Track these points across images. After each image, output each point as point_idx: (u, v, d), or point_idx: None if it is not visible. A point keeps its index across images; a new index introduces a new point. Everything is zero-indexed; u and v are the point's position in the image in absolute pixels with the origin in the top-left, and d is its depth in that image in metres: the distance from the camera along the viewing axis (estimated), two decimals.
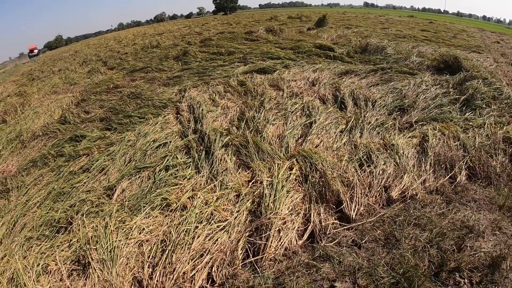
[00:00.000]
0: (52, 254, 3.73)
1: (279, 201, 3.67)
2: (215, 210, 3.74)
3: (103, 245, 3.56)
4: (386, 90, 6.43)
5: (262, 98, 6.56)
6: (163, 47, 18.17)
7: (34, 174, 5.88)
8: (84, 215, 4.20)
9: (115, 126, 6.66)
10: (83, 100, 9.48)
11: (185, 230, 3.47)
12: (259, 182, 4.15)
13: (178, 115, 6.58)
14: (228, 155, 4.72)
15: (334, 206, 3.79)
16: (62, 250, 3.79)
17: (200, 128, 5.59)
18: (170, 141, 5.44)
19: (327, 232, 3.51)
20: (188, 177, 4.44)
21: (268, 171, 4.29)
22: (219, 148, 4.83)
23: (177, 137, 5.61)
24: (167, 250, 3.35)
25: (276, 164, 4.29)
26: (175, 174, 4.55)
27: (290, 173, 4.08)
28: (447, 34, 17.36)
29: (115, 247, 3.52)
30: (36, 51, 55.97)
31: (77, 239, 3.80)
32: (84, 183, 5.05)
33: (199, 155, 4.85)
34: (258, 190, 3.98)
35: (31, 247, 3.96)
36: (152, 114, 6.79)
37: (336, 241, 3.41)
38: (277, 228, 3.43)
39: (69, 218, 4.26)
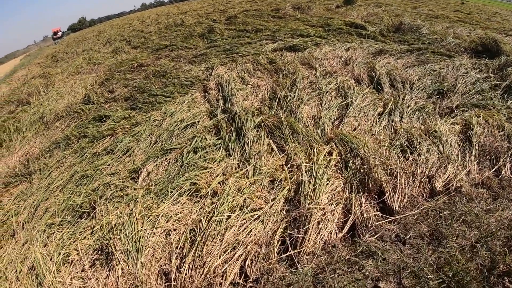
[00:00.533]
0: (74, 242, 3.50)
1: (319, 190, 3.26)
2: (248, 198, 3.35)
3: (127, 234, 3.26)
4: (424, 72, 5.82)
5: (294, 77, 6.08)
6: (187, 25, 17.63)
7: (57, 156, 5.68)
8: (108, 200, 3.95)
9: (140, 105, 6.32)
10: (107, 80, 9.20)
11: (216, 219, 3.10)
12: (295, 167, 3.74)
13: (206, 94, 6.18)
14: (261, 137, 4.30)
15: (376, 197, 3.41)
16: (85, 238, 3.55)
17: (229, 108, 5.18)
18: (198, 121, 5.07)
19: (369, 225, 3.17)
20: (218, 160, 4.06)
21: (304, 155, 3.88)
22: (251, 129, 4.42)
23: (205, 116, 5.23)
24: (197, 242, 3.01)
25: (314, 148, 3.87)
26: (204, 157, 4.18)
27: (330, 159, 3.64)
28: (481, 15, 16.22)
29: (140, 236, 3.21)
30: (60, 33, 56.49)
31: (100, 226, 3.54)
32: (108, 165, 4.79)
33: (229, 136, 4.45)
34: (295, 176, 3.58)
35: (53, 233, 3.77)
36: (179, 92, 6.41)
37: (378, 235, 3.05)
38: (316, 220, 3.06)
39: (92, 203, 4.03)
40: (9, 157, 6.49)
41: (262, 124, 4.55)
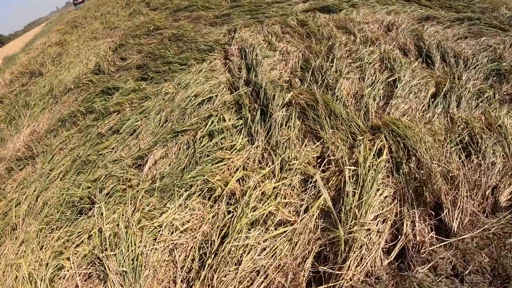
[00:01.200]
0: (69, 247, 2.94)
1: (366, 206, 2.42)
2: (275, 209, 2.55)
3: (123, 251, 2.55)
4: (478, 47, 4.63)
5: (330, 43, 5.07)
6: None
7: (62, 136, 5.08)
8: (108, 194, 3.39)
9: (152, 75, 5.54)
10: (121, 45, 8.42)
11: (232, 240, 2.33)
12: (333, 163, 2.90)
13: (227, 61, 5.28)
14: (291, 119, 3.45)
15: (432, 213, 2.55)
16: (81, 243, 2.97)
17: (254, 79, 4.31)
18: (216, 95, 4.23)
19: (421, 251, 2.39)
20: (238, 148, 3.25)
21: (342, 145, 3.04)
22: (279, 108, 3.57)
23: (225, 89, 4.39)
24: (207, 265, 2.28)
25: (358, 140, 3.00)
26: (221, 144, 3.38)
27: (380, 159, 2.75)
28: None
29: (139, 254, 2.51)
30: None
31: (97, 231, 2.92)
32: (112, 149, 4.15)
33: (252, 116, 3.63)
34: (333, 178, 2.76)
35: (50, 232, 3.31)
36: (196, 59, 5.54)
37: (431, 264, 2.28)
38: (360, 245, 2.27)
39: (92, 197, 3.44)
40: (16, 136, 6.00)
41: (293, 101, 3.66)
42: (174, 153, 3.54)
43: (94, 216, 3.10)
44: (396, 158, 2.80)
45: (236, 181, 2.86)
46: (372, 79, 4.05)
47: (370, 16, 6.27)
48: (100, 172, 3.79)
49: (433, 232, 2.46)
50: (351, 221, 2.31)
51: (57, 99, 6.83)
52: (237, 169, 2.99)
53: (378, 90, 3.80)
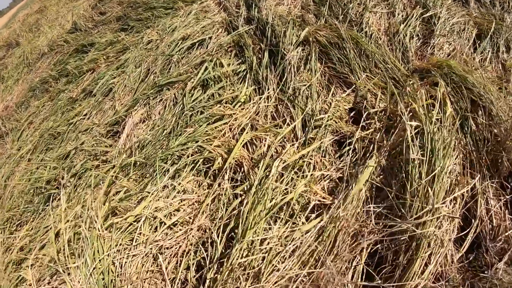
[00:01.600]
0: (34, 249, 2.21)
1: (440, 182, 1.57)
2: (305, 188, 1.68)
3: (88, 261, 1.75)
4: None
5: None
6: None
7: (32, 107, 4.26)
8: (76, 176, 2.65)
9: (133, 24, 4.56)
10: (100, 1, 7.40)
11: (244, 234, 1.49)
12: (375, 116, 2.02)
13: (222, 0, 4.28)
14: (310, 60, 2.53)
15: (509, 185, 1.78)
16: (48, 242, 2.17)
17: (257, 15, 3.33)
18: (210, 37, 3.28)
19: (498, 238, 1.66)
20: (242, 100, 2.35)
21: (381, 93, 2.18)
22: (293, 47, 2.62)
23: (220, 30, 3.43)
24: (208, 280, 1.49)
25: (408, 86, 2.12)
26: (218, 95, 2.47)
27: (448, 114, 1.87)
28: None
29: (109, 264, 1.70)
30: None
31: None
32: (85, 115, 3.36)
33: (258, 58, 2.71)
34: (380, 138, 1.88)
35: (15, 229, 2.69)
36: (184, 1, 4.52)
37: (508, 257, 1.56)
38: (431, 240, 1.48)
39: (60, 179, 2.72)
40: None
41: (310, 39, 2.71)
42: (159, 113, 2.67)
43: (60, 206, 2.31)
44: (458, 110, 1.93)
45: (243, 146, 2.00)
46: (403, 15, 3.13)
47: None
48: (70, 146, 3.00)
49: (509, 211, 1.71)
50: (418, 211, 1.46)
51: (31, 67, 5.94)
52: (243, 129, 2.11)
53: (415, 27, 2.87)
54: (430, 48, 2.66)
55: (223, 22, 3.57)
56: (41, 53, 6.14)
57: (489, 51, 2.63)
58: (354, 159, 1.85)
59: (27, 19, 12.09)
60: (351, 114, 2.19)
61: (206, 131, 2.12)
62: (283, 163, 1.73)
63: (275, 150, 1.87)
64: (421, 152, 1.64)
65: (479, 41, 2.72)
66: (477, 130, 1.89)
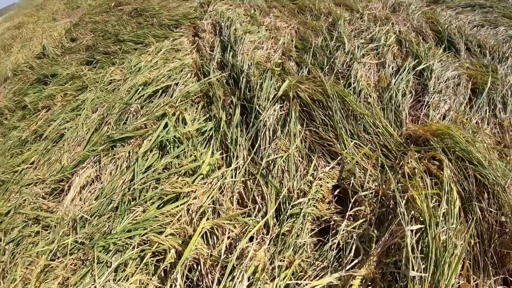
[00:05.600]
0: None
1: None
2: None
3: None
4: (498, 38, 3.58)
5: (331, 19, 3.92)
6: None
7: None
8: (13, 246, 2.22)
9: (99, 57, 4.19)
10: (75, 25, 7.07)
11: None
12: (365, 200, 1.71)
13: (196, 39, 3.97)
14: (289, 121, 2.21)
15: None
16: None
17: (231, 60, 3.02)
18: (177, 83, 2.93)
19: None
20: (205, 171, 1.97)
21: (373, 168, 1.88)
22: (270, 104, 2.30)
23: (189, 75, 3.09)
24: None
25: (403, 163, 1.83)
26: (178, 164, 2.09)
27: (455, 204, 1.55)
28: None
29: None
30: None
31: None
32: (32, 163, 2.93)
33: (229, 115, 2.38)
34: (371, 231, 1.57)
35: None
36: (156, 37, 4.18)
37: None
38: None
39: None
40: None
41: (290, 94, 2.39)
42: (110, 174, 2.28)
43: None
44: (461, 193, 1.66)
45: (201, 236, 1.62)
46: (393, 66, 2.92)
47: None
48: (12, 202, 2.55)
49: None
50: None
51: None
52: (203, 213, 1.73)
53: (407, 82, 2.62)
54: (425, 108, 2.41)
55: (194, 65, 3.26)
56: (4, 76, 5.68)
57: (486, 109, 2.43)
58: (338, 258, 1.52)
59: (5, 33, 11.72)
60: (336, 192, 1.85)
61: (157, 214, 1.73)
62: (250, 266, 1.36)
63: (240, 248, 1.50)
64: (423, 265, 1.31)
65: (474, 98, 2.53)
66: (481, 217, 1.59)
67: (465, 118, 2.29)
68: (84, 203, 2.16)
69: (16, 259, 2.03)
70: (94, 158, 2.44)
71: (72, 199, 2.26)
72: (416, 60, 2.89)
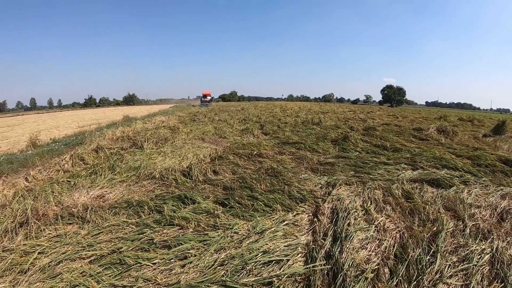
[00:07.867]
0: None
1: None
2: None
3: None
4: None
5: (435, 228, 4.35)
6: (323, 126, 17.22)
7: (118, 219, 4.70)
8: None
9: (233, 203, 5.11)
10: (219, 158, 8.46)
11: None
12: None
13: (315, 219, 4.66)
14: None
15: None
16: None
17: (337, 255, 3.59)
18: (288, 260, 3.55)
19: None
20: None
21: None
22: None
23: (299, 255, 3.69)
24: None
25: None
26: None
27: None
28: None
29: None
30: (209, 97, 57.69)
31: None
32: (154, 269, 3.50)
33: None
34: None
35: None
36: (283, 206, 5.05)
37: None
38: None
39: None
40: (85, 191, 5.97)
41: None
42: None
43: None
44: None
45: None
46: None
47: (482, 199, 5.58)
48: None
49: None
50: None
51: (138, 180, 6.82)
52: None
53: None
54: None
55: (306, 247, 3.85)
56: (152, 174, 7.01)
57: None
58: None
59: (160, 129, 14.13)
60: None
61: None
62: None
63: None
64: None
65: None
66: None
67: None
68: None
69: None
70: None
71: None
72: (502, 284, 3.09)
